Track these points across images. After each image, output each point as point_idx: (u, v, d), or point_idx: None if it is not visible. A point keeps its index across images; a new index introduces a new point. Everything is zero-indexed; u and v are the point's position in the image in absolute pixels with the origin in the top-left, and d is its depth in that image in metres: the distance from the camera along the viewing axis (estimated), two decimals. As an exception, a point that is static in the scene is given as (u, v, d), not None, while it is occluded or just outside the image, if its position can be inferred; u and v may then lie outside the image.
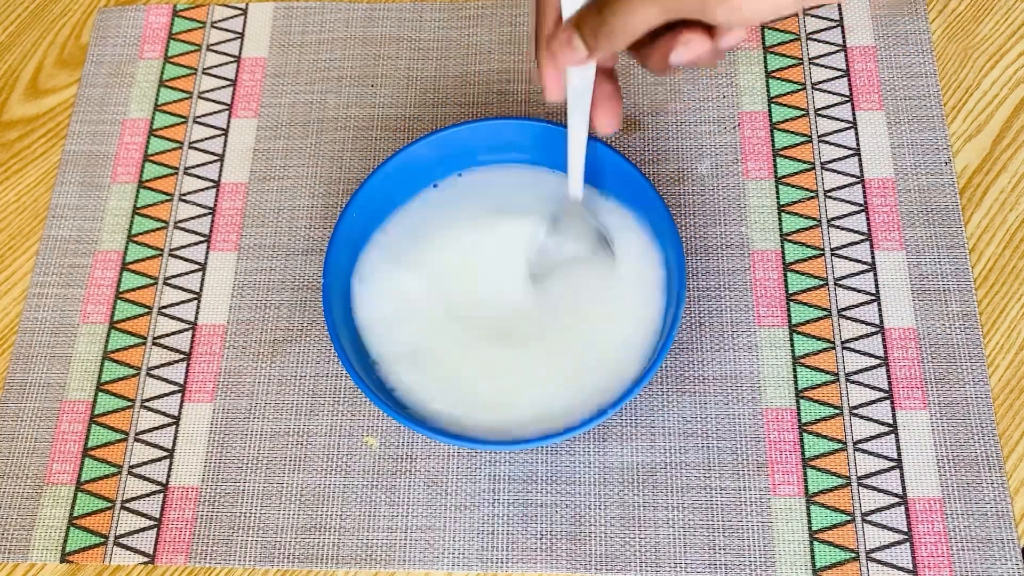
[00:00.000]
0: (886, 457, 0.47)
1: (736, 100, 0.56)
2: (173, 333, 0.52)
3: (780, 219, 0.53)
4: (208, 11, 0.62)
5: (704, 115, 0.56)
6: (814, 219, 0.53)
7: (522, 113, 0.57)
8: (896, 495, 0.46)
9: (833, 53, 0.57)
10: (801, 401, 0.49)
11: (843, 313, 0.50)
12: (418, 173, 0.51)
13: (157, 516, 0.48)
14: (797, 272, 0.52)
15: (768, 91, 0.56)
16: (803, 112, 0.55)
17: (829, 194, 0.53)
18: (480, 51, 0.59)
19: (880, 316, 0.50)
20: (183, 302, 0.53)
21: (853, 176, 0.54)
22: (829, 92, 0.56)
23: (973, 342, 0.49)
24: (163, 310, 0.53)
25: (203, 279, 0.54)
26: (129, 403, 0.51)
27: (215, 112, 0.58)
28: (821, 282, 0.51)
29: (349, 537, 0.47)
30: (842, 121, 0.55)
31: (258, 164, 0.57)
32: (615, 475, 0.48)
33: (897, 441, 0.47)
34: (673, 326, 0.44)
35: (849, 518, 0.46)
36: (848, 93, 0.56)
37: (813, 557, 0.45)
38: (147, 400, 0.51)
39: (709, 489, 0.47)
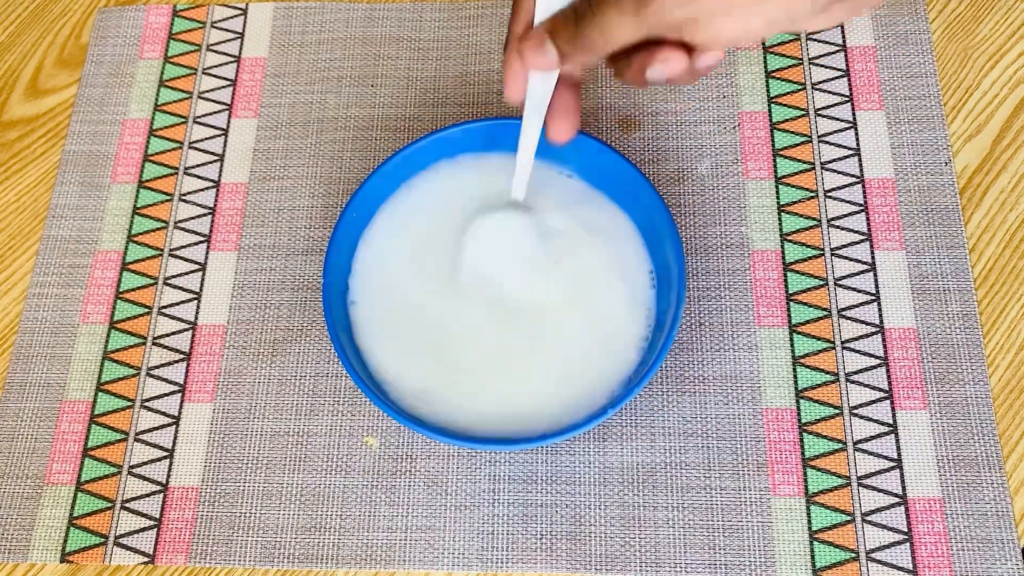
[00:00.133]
0: (886, 457, 0.47)
1: (736, 100, 0.56)
2: (173, 333, 0.52)
3: (780, 219, 0.53)
4: (208, 11, 0.62)
5: (704, 115, 0.56)
6: (814, 219, 0.53)
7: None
8: (896, 495, 0.46)
9: (833, 53, 0.57)
10: (801, 401, 0.49)
11: (843, 313, 0.50)
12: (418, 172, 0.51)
13: (157, 516, 0.48)
14: (797, 272, 0.52)
15: (768, 91, 0.56)
16: (803, 112, 0.55)
17: (829, 194, 0.53)
18: (480, 51, 0.59)
19: (880, 316, 0.50)
20: (183, 302, 0.53)
21: (853, 176, 0.54)
22: (829, 92, 0.56)
23: (973, 342, 0.49)
24: (163, 310, 0.53)
25: (203, 279, 0.54)
26: (129, 403, 0.51)
27: (215, 112, 0.58)
28: (821, 282, 0.51)
29: (349, 537, 0.47)
30: (842, 121, 0.55)
31: (258, 164, 0.57)
32: (615, 475, 0.48)
33: (897, 441, 0.47)
34: (673, 326, 0.44)
35: (849, 518, 0.46)
36: (848, 93, 0.56)
37: (813, 557, 0.45)
38: (147, 400, 0.51)
39: (709, 489, 0.47)
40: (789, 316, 0.51)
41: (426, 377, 0.47)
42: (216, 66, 0.60)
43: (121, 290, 0.54)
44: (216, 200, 0.56)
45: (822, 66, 0.57)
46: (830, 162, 0.54)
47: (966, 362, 0.49)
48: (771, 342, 0.50)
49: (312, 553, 0.47)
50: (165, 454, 0.50)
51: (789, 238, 0.52)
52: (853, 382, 0.49)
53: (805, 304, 0.51)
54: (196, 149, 0.57)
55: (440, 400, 0.46)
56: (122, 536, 0.48)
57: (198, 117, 0.58)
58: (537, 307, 0.48)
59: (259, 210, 0.55)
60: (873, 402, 0.48)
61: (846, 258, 0.52)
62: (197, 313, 0.53)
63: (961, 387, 0.48)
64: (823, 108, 0.55)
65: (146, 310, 0.53)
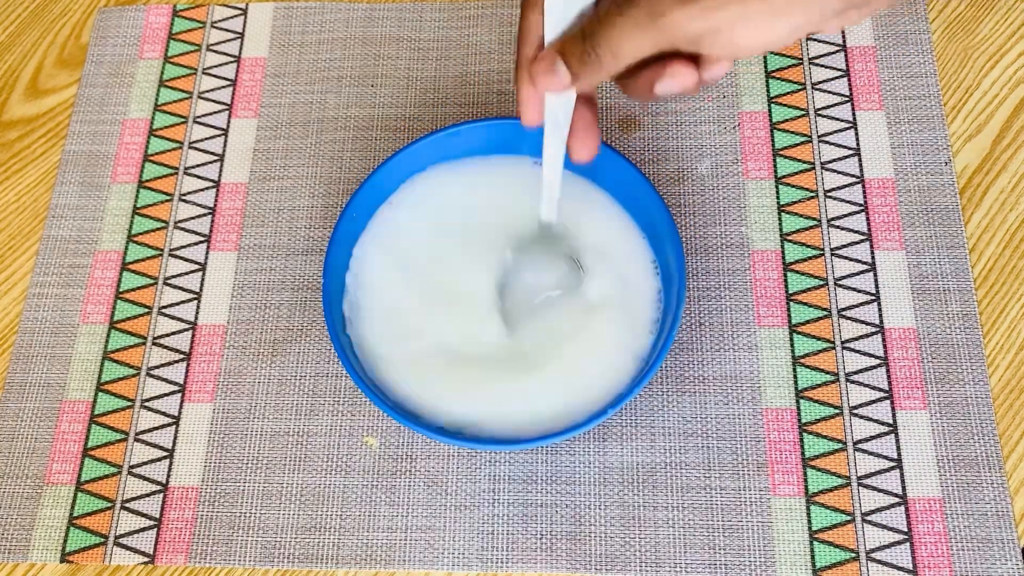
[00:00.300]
0: (886, 457, 0.47)
1: (736, 100, 0.56)
2: (173, 333, 0.52)
3: (780, 219, 0.53)
4: (208, 11, 0.62)
5: (704, 115, 0.56)
6: (814, 219, 0.53)
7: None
8: (896, 495, 0.46)
9: (833, 53, 0.57)
10: (801, 401, 0.49)
11: (843, 313, 0.50)
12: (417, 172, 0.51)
13: (157, 516, 0.48)
14: (797, 272, 0.52)
15: (768, 91, 0.56)
16: (803, 112, 0.55)
17: (829, 194, 0.53)
18: (480, 51, 0.59)
19: (880, 316, 0.50)
20: (183, 302, 0.53)
21: (853, 176, 0.54)
22: (829, 92, 0.56)
23: (973, 342, 0.49)
24: (163, 310, 0.53)
25: (203, 279, 0.54)
26: (129, 403, 0.51)
27: (215, 112, 0.58)
28: (821, 282, 0.51)
29: (349, 537, 0.47)
30: (842, 121, 0.55)
31: (258, 164, 0.57)
32: (615, 475, 0.48)
33: (897, 441, 0.47)
34: (673, 326, 0.44)
35: (849, 518, 0.46)
36: (848, 93, 0.56)
37: (813, 557, 0.45)
38: (147, 400, 0.51)
39: (709, 489, 0.47)
40: (789, 316, 0.50)
41: (426, 377, 0.47)
42: (216, 66, 0.60)
43: (121, 290, 0.54)
44: (216, 200, 0.56)
45: (822, 66, 0.57)
46: (830, 162, 0.54)
47: (966, 362, 0.49)
48: (771, 342, 0.50)
49: (312, 553, 0.47)
50: (165, 454, 0.50)
51: (789, 238, 0.52)
52: (853, 382, 0.49)
53: (805, 304, 0.51)
54: (196, 149, 0.57)
55: (440, 400, 0.46)
56: (122, 536, 0.48)
57: (198, 117, 0.58)
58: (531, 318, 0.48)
59: (259, 210, 0.55)
60: (873, 402, 0.48)
61: (846, 258, 0.52)
62: (197, 313, 0.53)
63: (961, 387, 0.48)
64: (823, 108, 0.55)
65: (146, 310, 0.53)
